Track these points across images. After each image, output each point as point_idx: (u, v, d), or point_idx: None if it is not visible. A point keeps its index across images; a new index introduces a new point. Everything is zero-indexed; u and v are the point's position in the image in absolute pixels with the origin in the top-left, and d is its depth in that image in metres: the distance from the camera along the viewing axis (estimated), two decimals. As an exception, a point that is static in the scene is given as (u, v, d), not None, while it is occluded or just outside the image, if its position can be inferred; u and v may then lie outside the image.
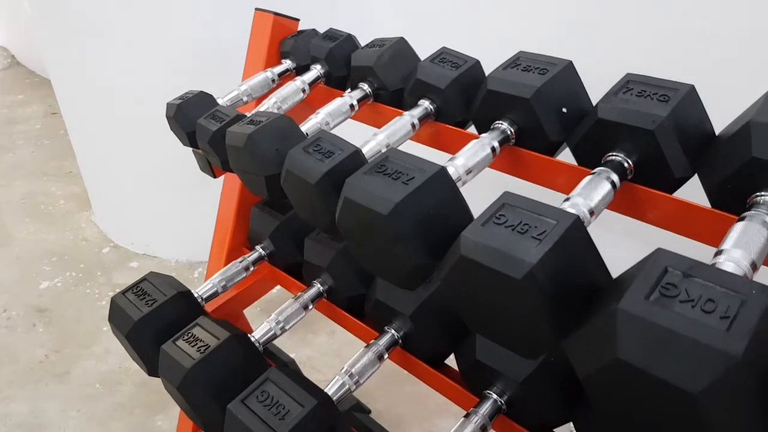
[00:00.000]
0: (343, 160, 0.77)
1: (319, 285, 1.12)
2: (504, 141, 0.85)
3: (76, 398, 2.02)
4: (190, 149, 1.11)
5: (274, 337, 1.06)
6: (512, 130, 0.85)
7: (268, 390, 0.84)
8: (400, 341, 1.00)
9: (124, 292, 1.07)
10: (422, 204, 0.66)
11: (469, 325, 0.65)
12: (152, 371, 1.04)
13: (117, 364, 2.16)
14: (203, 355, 0.92)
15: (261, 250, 1.23)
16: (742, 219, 0.62)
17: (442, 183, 0.68)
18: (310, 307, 1.11)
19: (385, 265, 0.72)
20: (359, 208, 0.68)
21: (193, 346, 0.94)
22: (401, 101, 1.06)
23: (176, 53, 2.19)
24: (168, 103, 1.08)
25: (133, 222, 2.77)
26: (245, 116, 0.96)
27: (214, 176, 1.13)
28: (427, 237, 0.67)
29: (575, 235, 0.57)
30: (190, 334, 0.97)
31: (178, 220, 2.62)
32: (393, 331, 0.99)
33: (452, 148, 0.96)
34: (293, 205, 0.86)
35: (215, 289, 1.15)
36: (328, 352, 2.22)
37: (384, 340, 0.98)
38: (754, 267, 0.59)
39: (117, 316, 1.04)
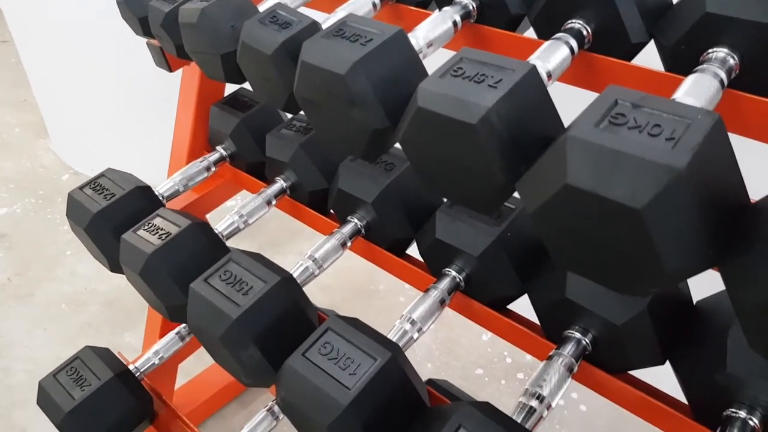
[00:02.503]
0: (301, 31, 0.76)
1: (282, 181, 1.11)
2: (465, 16, 0.83)
3: (42, 318, 2.01)
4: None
5: (237, 230, 1.06)
6: (474, 6, 0.84)
7: (231, 269, 0.84)
8: (363, 231, 1.00)
9: (81, 188, 1.05)
10: (380, 64, 0.65)
11: (427, 183, 0.65)
12: (114, 266, 1.04)
13: (82, 285, 2.14)
14: (164, 241, 0.91)
15: (222, 151, 1.21)
16: (693, 73, 0.63)
17: (401, 45, 0.67)
18: (273, 202, 1.10)
19: (345, 133, 0.71)
20: (316, 71, 0.67)
21: (154, 235, 0.94)
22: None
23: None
24: (118, -10, 1.03)
25: (92, 148, 2.70)
26: (199, -3, 0.92)
27: (170, 69, 1.10)
28: (386, 99, 0.66)
29: (531, 84, 0.57)
30: (151, 224, 0.96)
31: (139, 145, 2.56)
32: (356, 220, 1.00)
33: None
34: (250, 83, 0.84)
35: (176, 187, 1.13)
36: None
37: (347, 228, 0.99)
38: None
39: (75, 210, 1.02)
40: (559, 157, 0.49)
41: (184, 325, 1.17)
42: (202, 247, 0.93)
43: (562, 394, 0.74)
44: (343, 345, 0.73)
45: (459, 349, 1.90)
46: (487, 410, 0.65)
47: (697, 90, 0.59)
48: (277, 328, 0.80)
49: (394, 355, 0.72)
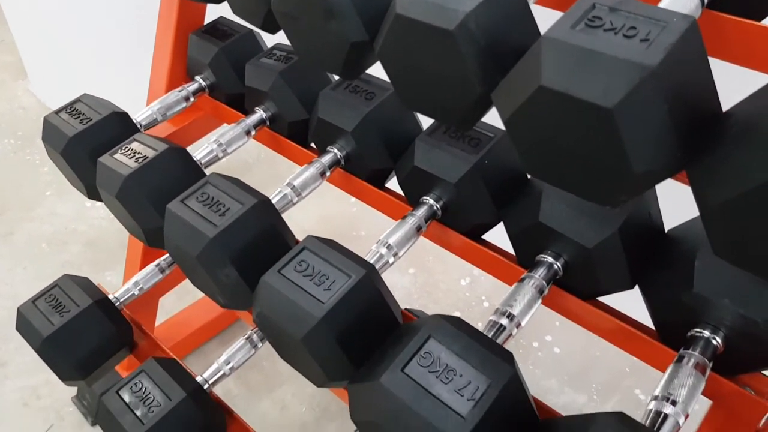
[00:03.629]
0: (280, -57, 0.74)
1: (261, 111, 1.10)
2: None
3: (22, 257, 2.00)
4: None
5: (216, 158, 1.05)
6: None
7: (208, 191, 0.84)
8: (342, 161, 1.00)
9: (57, 112, 1.03)
10: (358, -25, 0.64)
11: (404, 97, 0.65)
12: (91, 192, 1.03)
13: (63, 225, 2.13)
14: (141, 164, 0.91)
15: (201, 81, 1.19)
16: None
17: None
18: (252, 132, 1.09)
19: (323, 48, 0.70)
20: (293, -18, 0.65)
21: (131, 158, 0.93)
22: None
23: None
24: None
25: (72, 89, 2.62)
26: None
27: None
28: (363, 11, 0.65)
29: (510, -7, 0.57)
30: (127, 148, 0.95)
31: (119, 86, 2.50)
32: (335, 150, 0.99)
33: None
34: (228, 0, 0.82)
35: (154, 116, 1.12)
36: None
37: (327, 158, 0.99)
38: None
39: (51, 134, 1.01)
40: (534, 59, 0.49)
41: (164, 257, 1.17)
42: (179, 172, 0.92)
43: (531, 314, 0.76)
44: (318, 263, 0.74)
45: (437, 293, 1.93)
46: (457, 323, 0.66)
47: (677, 4, 0.59)
48: (253, 249, 0.81)
49: (369, 273, 0.73)
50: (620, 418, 0.57)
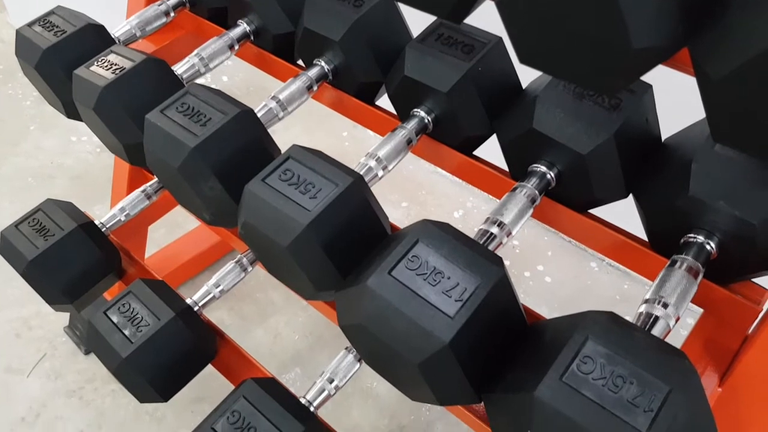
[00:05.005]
0: None
1: (245, 24, 1.05)
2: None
3: (8, 191, 1.97)
4: None
5: (198, 74, 1.01)
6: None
7: (188, 102, 0.81)
8: (330, 75, 0.96)
9: (30, 25, 0.98)
10: None
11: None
12: (69, 110, 1.00)
13: (48, 160, 2.09)
14: (118, 75, 0.87)
15: (182, -6, 1.13)
16: None
17: None
18: (236, 47, 1.04)
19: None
20: None
21: (107, 70, 0.89)
22: None
23: None
24: None
25: (52, 20, 2.55)
26: None
27: None
28: None
29: None
30: (104, 60, 0.91)
31: (104, 12, 2.41)
32: (323, 63, 0.95)
33: None
34: None
35: (133, 31, 1.07)
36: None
37: (313, 71, 0.95)
38: None
39: (24, 48, 0.96)
40: None
41: (150, 183, 1.14)
42: (158, 84, 0.89)
43: (522, 223, 0.74)
44: (304, 172, 0.71)
45: (431, 226, 1.91)
46: (445, 227, 0.64)
47: None
48: (237, 161, 0.78)
49: (357, 182, 0.70)
50: (610, 315, 0.56)
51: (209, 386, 1.18)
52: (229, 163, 0.77)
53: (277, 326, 1.63)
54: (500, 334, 0.60)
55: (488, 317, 0.58)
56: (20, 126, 2.23)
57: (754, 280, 0.72)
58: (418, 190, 2.03)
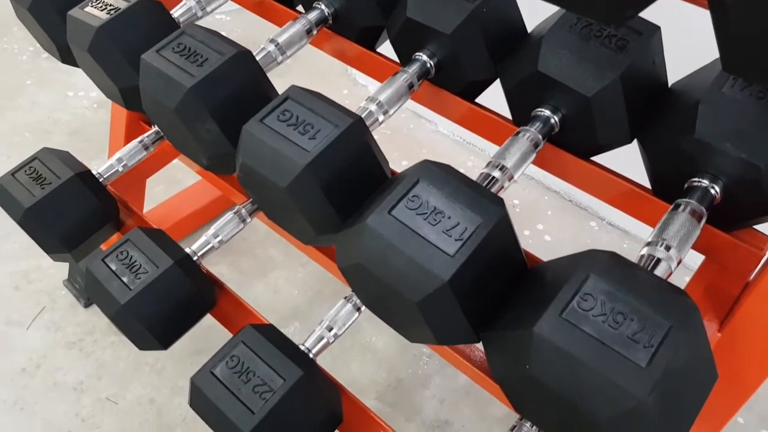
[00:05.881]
0: None
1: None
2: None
3: (5, 146, 1.95)
4: None
5: (195, 17, 0.98)
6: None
7: (185, 42, 0.79)
8: (330, 19, 0.94)
9: (20, -35, 0.96)
10: None
11: None
12: (63, 54, 0.98)
13: (45, 115, 2.07)
14: (113, 15, 0.85)
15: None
16: None
17: None
18: (234, -9, 1.02)
19: None
20: None
21: (102, 10, 0.86)
22: None
23: None
24: None
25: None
26: None
27: None
28: None
29: None
30: (99, 0, 0.88)
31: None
32: (322, 6, 0.93)
33: None
34: None
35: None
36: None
37: (313, 15, 0.93)
38: None
39: (15, -11, 0.94)
40: None
41: (147, 133, 1.13)
42: (155, 25, 0.86)
43: (525, 168, 0.73)
44: (303, 113, 0.70)
45: (431, 184, 1.90)
46: (447, 168, 0.63)
47: None
48: (235, 102, 0.77)
49: (357, 123, 0.69)
50: (612, 255, 0.56)
51: (209, 339, 1.19)
52: (227, 104, 0.76)
53: (277, 282, 1.64)
54: (500, 274, 0.60)
55: (488, 257, 0.58)
56: (17, 81, 2.20)
57: (756, 227, 0.71)
58: (418, 149, 2.01)
